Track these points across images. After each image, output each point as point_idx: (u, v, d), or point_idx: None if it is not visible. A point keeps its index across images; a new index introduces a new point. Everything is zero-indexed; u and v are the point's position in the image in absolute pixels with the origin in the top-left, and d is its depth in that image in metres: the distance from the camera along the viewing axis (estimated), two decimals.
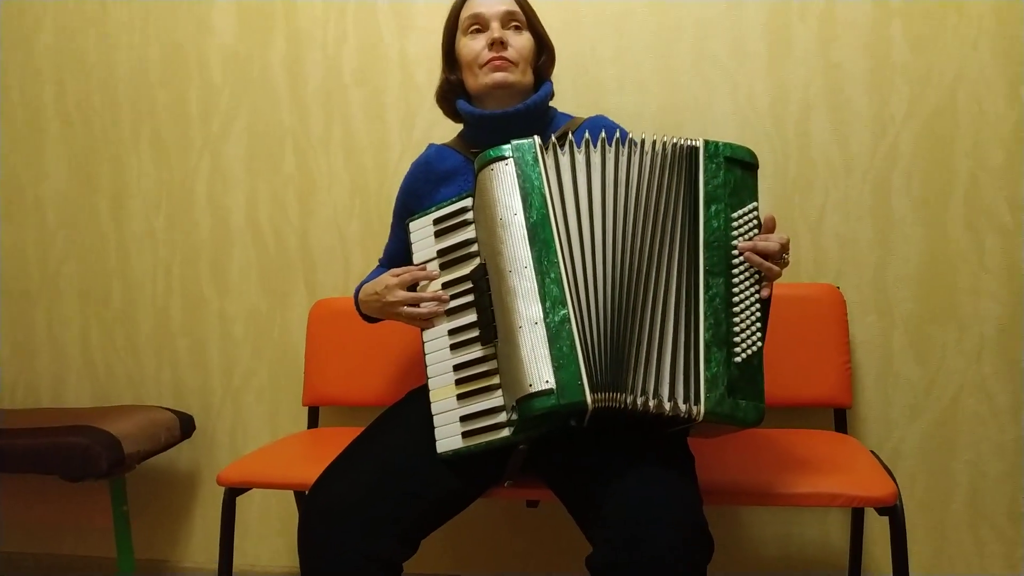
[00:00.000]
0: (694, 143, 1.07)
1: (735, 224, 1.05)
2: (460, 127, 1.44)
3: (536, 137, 1.07)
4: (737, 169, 1.07)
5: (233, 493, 1.45)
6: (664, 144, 1.07)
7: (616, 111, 1.73)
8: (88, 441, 1.58)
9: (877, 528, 1.64)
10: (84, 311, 2.04)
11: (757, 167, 1.09)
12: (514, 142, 1.06)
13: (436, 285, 1.17)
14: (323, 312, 1.81)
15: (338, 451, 1.50)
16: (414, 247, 1.20)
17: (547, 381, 0.96)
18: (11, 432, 1.67)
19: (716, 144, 1.06)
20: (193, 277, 1.97)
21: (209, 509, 1.99)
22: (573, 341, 0.98)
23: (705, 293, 1.02)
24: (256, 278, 1.93)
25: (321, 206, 1.89)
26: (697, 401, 0.99)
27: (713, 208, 1.05)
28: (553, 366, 0.97)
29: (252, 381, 1.95)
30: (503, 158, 1.05)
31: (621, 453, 1.05)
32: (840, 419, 1.56)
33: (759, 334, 1.04)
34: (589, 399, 0.96)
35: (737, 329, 1.02)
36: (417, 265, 1.19)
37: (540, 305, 0.99)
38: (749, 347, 1.03)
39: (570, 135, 1.09)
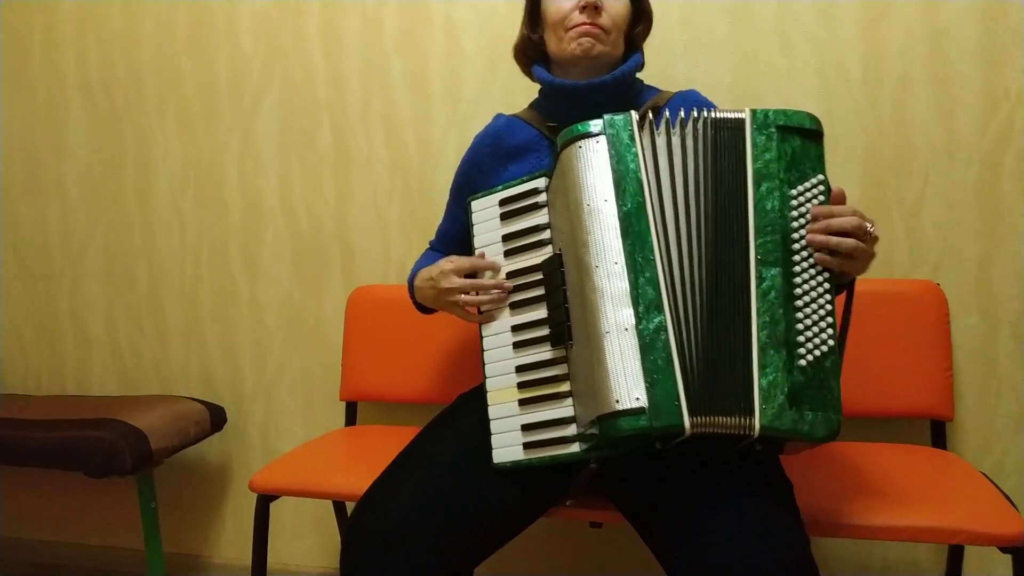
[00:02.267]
0: (738, 115, 0.91)
1: (794, 203, 0.89)
2: (525, 91, 1.27)
3: (633, 112, 0.92)
4: (795, 138, 0.90)
5: (266, 500, 1.34)
6: (715, 120, 0.91)
7: (684, 82, 1.55)
8: (113, 436, 1.48)
9: (975, 557, 1.47)
10: (109, 294, 1.94)
11: (821, 134, 0.92)
12: (607, 116, 0.91)
13: (500, 277, 1.04)
14: (362, 300, 1.67)
15: (379, 453, 1.39)
16: (475, 229, 1.07)
17: (638, 399, 0.83)
18: (32, 424, 1.58)
19: (765, 113, 0.90)
20: (223, 261, 1.85)
21: (240, 504, 1.89)
22: (670, 353, 0.84)
23: (757, 287, 0.86)
24: (289, 263, 1.81)
25: (359, 186, 1.75)
26: (750, 413, 0.84)
27: (764, 187, 0.89)
28: (646, 381, 0.83)
29: (285, 373, 1.83)
30: (593, 135, 0.91)
31: (710, 478, 0.92)
32: (938, 432, 1.39)
33: (830, 331, 0.88)
34: (688, 423, 0.83)
35: (801, 327, 0.86)
36: (478, 251, 1.06)
37: (632, 308, 0.85)
38: (817, 347, 0.87)
39: (666, 112, 0.94)
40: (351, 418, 1.68)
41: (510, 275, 1.02)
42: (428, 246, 1.38)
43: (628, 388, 0.84)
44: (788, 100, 1.51)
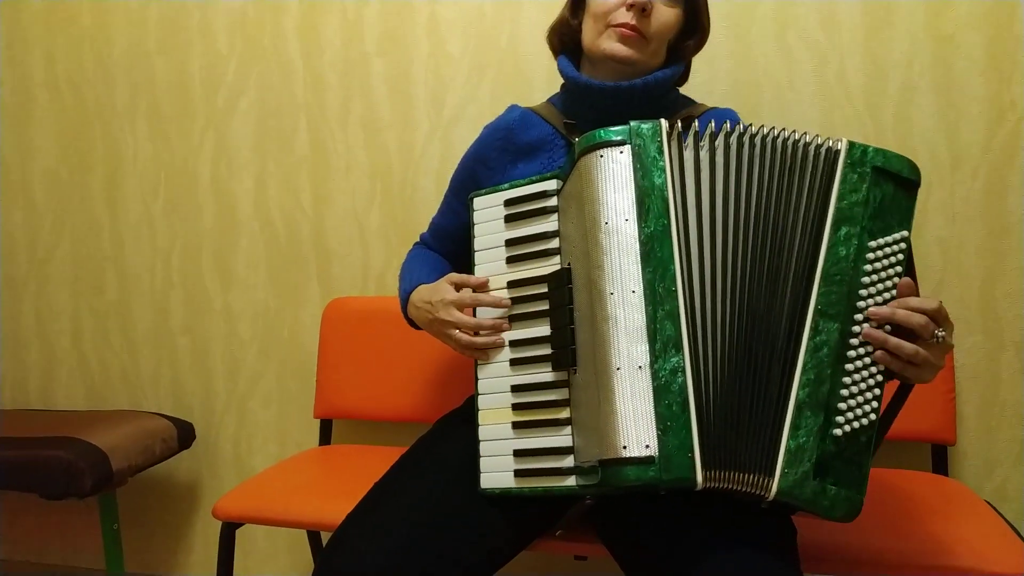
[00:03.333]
0: (835, 145, 0.82)
1: (871, 256, 0.80)
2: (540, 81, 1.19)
3: (663, 121, 0.83)
4: (888, 184, 0.81)
5: (231, 527, 1.26)
6: (795, 142, 0.83)
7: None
8: (71, 456, 1.40)
9: None
10: (76, 302, 1.85)
11: (918, 185, 0.83)
12: (633, 124, 0.82)
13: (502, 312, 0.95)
14: (338, 313, 1.60)
15: (352, 477, 1.31)
16: (476, 230, 0.98)
17: (647, 446, 0.75)
18: None
19: (864, 149, 0.81)
20: (195, 269, 1.77)
21: (211, 524, 1.81)
22: (686, 398, 0.76)
23: (810, 339, 0.78)
24: (264, 272, 1.73)
25: (338, 192, 1.67)
26: (770, 473, 0.76)
27: (844, 231, 0.80)
28: (658, 428, 0.75)
29: (259, 386, 1.75)
30: (616, 143, 0.81)
31: (709, 523, 0.84)
32: (939, 457, 1.33)
33: (875, 403, 0.79)
34: (700, 477, 0.75)
35: (845, 392, 0.78)
36: (478, 258, 0.97)
37: (648, 345, 0.77)
38: (858, 418, 0.78)
39: (695, 123, 0.85)
40: (326, 437, 1.60)
41: (512, 284, 0.94)
42: (418, 239, 1.28)
43: (638, 433, 0.75)
44: (787, 109, 1.45)
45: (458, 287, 1.00)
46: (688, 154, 0.83)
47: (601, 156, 0.81)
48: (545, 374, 0.89)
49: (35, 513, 1.87)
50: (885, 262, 0.80)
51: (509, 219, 0.95)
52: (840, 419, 0.78)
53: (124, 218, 1.80)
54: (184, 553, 1.82)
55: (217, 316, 1.76)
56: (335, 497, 1.21)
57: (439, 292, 1.01)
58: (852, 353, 0.79)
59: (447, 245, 1.21)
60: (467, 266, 1.00)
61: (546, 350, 0.89)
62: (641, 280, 0.78)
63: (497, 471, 0.91)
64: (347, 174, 1.66)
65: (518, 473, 0.89)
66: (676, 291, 0.78)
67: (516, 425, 0.90)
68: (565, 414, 0.87)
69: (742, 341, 0.79)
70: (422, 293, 1.06)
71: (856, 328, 0.79)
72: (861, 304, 0.80)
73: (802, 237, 0.81)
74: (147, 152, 1.78)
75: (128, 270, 1.81)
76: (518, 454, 0.89)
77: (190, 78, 1.74)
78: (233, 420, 1.77)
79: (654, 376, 0.76)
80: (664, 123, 0.82)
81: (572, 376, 0.86)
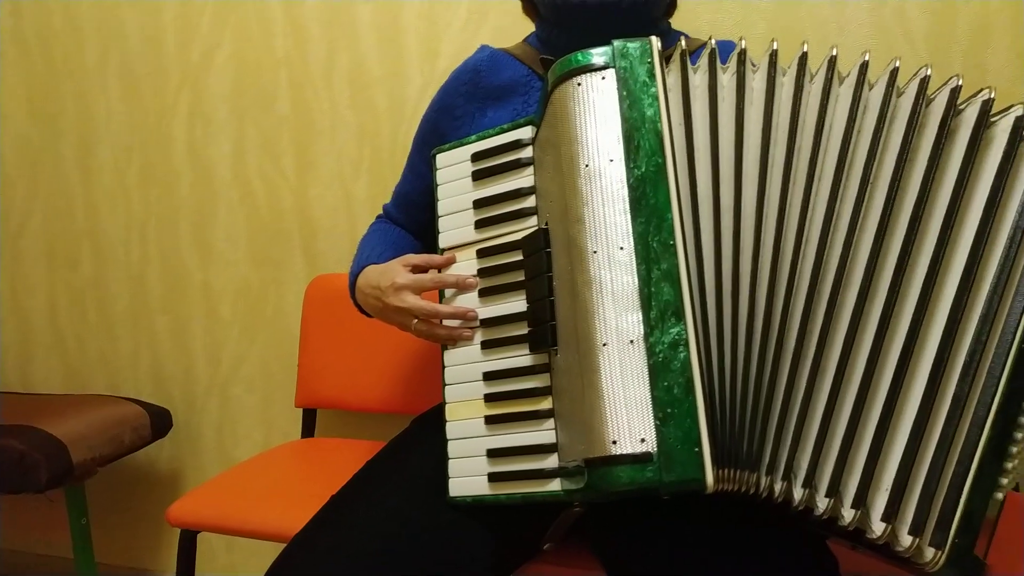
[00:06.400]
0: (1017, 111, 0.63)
1: None
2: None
3: (655, 38, 0.68)
4: None
5: (191, 534, 1.12)
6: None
7: (707, 32, 1.28)
8: (24, 446, 1.27)
9: None
10: (51, 278, 1.72)
11: None
12: (617, 43, 0.67)
13: (467, 269, 0.79)
14: (322, 291, 1.44)
15: (330, 478, 1.14)
16: (440, 191, 0.82)
17: (643, 440, 0.60)
18: None
19: None
20: (172, 241, 1.62)
21: None
22: (691, 379, 0.60)
23: (1007, 384, 0.59)
24: (245, 245, 1.57)
25: (322, 156, 1.50)
26: (941, 543, 0.59)
27: None
28: (656, 416, 0.60)
29: (242, 370, 1.60)
30: (597, 68, 0.67)
31: (727, 545, 0.68)
32: None
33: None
34: (710, 477, 0.59)
35: (1015, 450, 0.61)
36: (444, 256, 0.81)
37: (642, 314, 0.62)
38: (1014, 480, 0.62)
39: (712, 45, 0.69)
40: (308, 428, 1.45)
41: (482, 253, 0.77)
42: (381, 212, 1.10)
43: (631, 424, 0.60)
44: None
45: (417, 270, 0.83)
46: (698, 78, 0.67)
47: (579, 84, 0.67)
48: (522, 357, 0.73)
49: (6, 500, 1.77)
50: None
51: (477, 176, 0.78)
52: (1005, 481, 0.60)
53: (98, 187, 1.66)
54: (166, 547, 1.70)
55: (196, 293, 1.62)
56: (303, 504, 1.05)
57: (388, 275, 0.84)
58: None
59: (414, 215, 1.03)
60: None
61: (523, 329, 0.73)
62: (631, 233, 0.63)
63: (468, 475, 0.75)
64: (332, 136, 1.49)
65: (493, 477, 0.73)
66: (674, 245, 0.62)
67: (489, 420, 0.74)
68: (547, 404, 0.71)
69: (766, 305, 0.63)
70: (369, 276, 0.90)
71: None
72: None
73: (981, 229, 0.61)
74: (120, 113, 1.62)
75: (103, 243, 1.67)
76: (492, 454, 0.73)
77: (163, 31, 1.57)
78: (215, 406, 1.63)
79: (649, 352, 0.61)
80: (656, 40, 0.67)
81: (554, 358, 0.70)
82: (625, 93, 0.65)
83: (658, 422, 0.60)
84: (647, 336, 0.61)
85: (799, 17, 1.25)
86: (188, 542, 1.12)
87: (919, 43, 1.21)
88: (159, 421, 1.52)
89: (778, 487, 0.62)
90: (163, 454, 1.68)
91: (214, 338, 1.62)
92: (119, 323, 1.68)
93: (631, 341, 0.61)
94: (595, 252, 0.64)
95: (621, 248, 0.63)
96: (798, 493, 0.62)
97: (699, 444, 0.59)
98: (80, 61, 1.64)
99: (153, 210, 1.62)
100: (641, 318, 0.62)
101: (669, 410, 0.60)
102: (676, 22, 1.31)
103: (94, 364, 1.71)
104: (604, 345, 0.62)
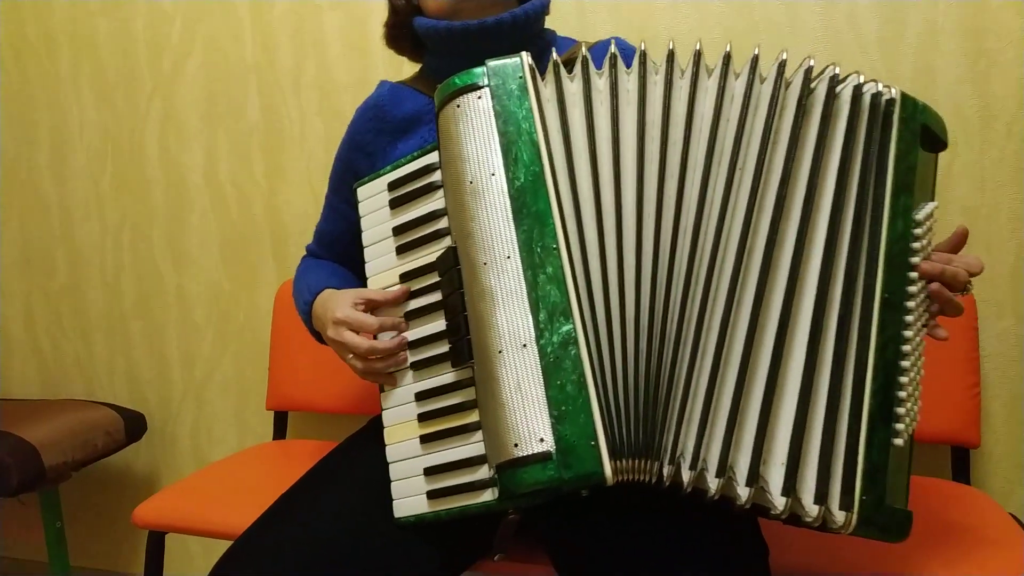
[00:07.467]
0: (889, 92, 0.69)
1: (917, 232, 0.68)
2: None
3: (524, 54, 0.71)
4: (927, 147, 0.70)
5: (159, 535, 1.14)
6: (835, 85, 0.69)
7: (665, 38, 1.30)
8: None
9: None
10: (27, 285, 1.74)
11: (946, 147, 0.74)
12: (490, 63, 0.70)
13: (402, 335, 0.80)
14: (291, 296, 1.45)
15: (297, 478, 1.18)
16: (363, 223, 0.84)
17: (542, 440, 0.63)
18: None
19: (915, 103, 0.69)
20: (146, 248, 1.64)
21: None
22: (582, 374, 0.63)
23: (879, 335, 0.65)
24: (218, 250, 1.59)
25: (292, 161, 1.52)
26: (849, 505, 0.62)
27: (902, 201, 0.67)
28: (552, 415, 0.63)
29: (216, 375, 1.62)
30: (474, 87, 0.70)
31: (665, 538, 0.70)
32: (960, 461, 1.15)
33: (918, 400, 0.69)
34: (608, 470, 0.62)
35: (903, 394, 0.66)
36: (383, 297, 0.80)
37: (532, 317, 0.65)
38: (912, 422, 0.67)
39: (583, 53, 0.72)
40: (280, 431, 1.47)
41: (405, 277, 0.79)
42: (305, 252, 1.11)
43: (529, 426, 0.63)
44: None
45: (371, 304, 0.83)
46: (573, 86, 0.70)
47: (458, 106, 0.70)
48: (447, 375, 0.74)
49: None
50: (927, 239, 0.68)
51: (394, 204, 0.80)
52: (900, 426, 0.65)
53: (72, 195, 1.68)
54: (140, 550, 1.71)
55: (170, 299, 1.63)
56: (267, 504, 1.07)
57: (335, 309, 0.83)
58: (907, 347, 0.66)
59: (338, 250, 1.04)
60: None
61: (445, 347, 0.75)
62: (516, 241, 0.66)
63: (409, 496, 0.77)
64: (301, 142, 1.51)
65: (431, 495, 0.74)
66: (558, 249, 0.65)
67: (424, 439, 0.75)
68: (473, 418, 0.72)
69: (684, 304, 0.66)
70: (326, 301, 0.88)
71: (910, 318, 0.67)
72: (912, 289, 0.67)
73: (860, 205, 0.67)
74: (93, 122, 1.64)
75: (78, 250, 1.69)
76: (429, 472, 0.74)
77: (135, 42, 1.59)
78: (191, 410, 1.65)
79: (542, 353, 0.64)
80: (526, 55, 0.70)
81: (475, 372, 0.72)
82: (500, 109, 0.69)
83: (554, 420, 0.63)
84: (538, 339, 0.64)
85: (753, 21, 1.28)
86: (156, 543, 1.14)
87: (870, 46, 1.23)
88: (133, 425, 1.54)
89: (666, 471, 0.64)
90: (140, 457, 1.70)
91: (188, 342, 1.63)
92: (94, 329, 1.70)
93: (524, 345, 0.64)
94: (485, 264, 0.67)
95: (508, 257, 0.66)
96: (686, 475, 0.64)
97: (595, 438, 0.62)
98: (53, 71, 1.66)
99: (127, 217, 1.64)
100: (532, 322, 0.64)
101: (564, 408, 0.62)
102: (637, 26, 1.35)
103: (70, 369, 1.73)
104: (500, 352, 0.65)
